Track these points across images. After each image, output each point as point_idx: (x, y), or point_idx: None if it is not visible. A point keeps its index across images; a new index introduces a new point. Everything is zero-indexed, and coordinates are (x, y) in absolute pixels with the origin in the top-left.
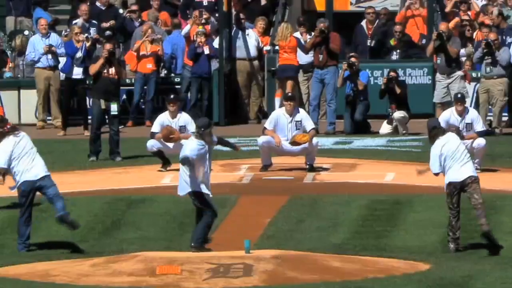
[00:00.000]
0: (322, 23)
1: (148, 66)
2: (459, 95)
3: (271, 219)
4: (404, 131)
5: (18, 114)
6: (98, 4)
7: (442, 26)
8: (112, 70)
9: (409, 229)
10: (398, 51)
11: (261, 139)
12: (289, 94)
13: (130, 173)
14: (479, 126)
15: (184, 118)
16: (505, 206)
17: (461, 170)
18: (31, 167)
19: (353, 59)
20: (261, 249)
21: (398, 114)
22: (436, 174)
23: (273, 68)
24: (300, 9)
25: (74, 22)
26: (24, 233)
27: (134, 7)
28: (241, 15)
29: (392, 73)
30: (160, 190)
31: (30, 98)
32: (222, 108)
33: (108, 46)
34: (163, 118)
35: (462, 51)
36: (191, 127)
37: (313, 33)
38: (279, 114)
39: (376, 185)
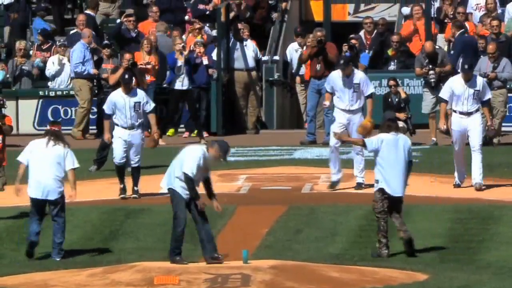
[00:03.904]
0: (319, 32)
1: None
2: (466, 66)
3: (269, 229)
4: None
5: (17, 124)
6: (93, 14)
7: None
8: None
9: None
10: (396, 61)
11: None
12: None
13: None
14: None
15: (139, 95)
16: (502, 216)
17: (396, 183)
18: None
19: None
20: (259, 259)
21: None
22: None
23: (271, 78)
24: (297, 19)
25: (71, 32)
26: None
27: (131, 18)
28: (239, 26)
29: (391, 82)
30: (158, 200)
31: (29, 108)
32: (220, 118)
33: (128, 56)
34: (117, 95)
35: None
36: (147, 105)
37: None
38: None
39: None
